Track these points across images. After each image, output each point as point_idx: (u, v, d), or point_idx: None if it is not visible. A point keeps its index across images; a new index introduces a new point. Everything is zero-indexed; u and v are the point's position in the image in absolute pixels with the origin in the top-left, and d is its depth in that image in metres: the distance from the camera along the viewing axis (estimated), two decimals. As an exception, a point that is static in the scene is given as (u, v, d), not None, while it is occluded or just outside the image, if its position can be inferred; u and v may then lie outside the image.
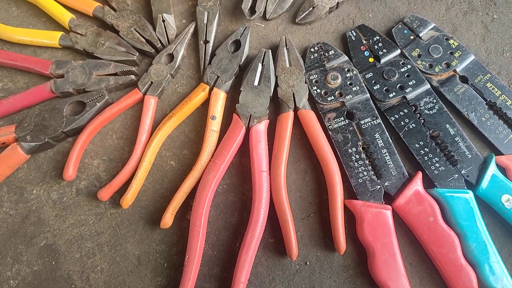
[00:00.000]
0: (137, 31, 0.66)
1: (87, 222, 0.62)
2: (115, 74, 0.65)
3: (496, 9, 0.67)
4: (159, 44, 0.66)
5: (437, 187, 0.58)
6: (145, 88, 0.64)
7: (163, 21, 0.67)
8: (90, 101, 0.63)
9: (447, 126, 0.60)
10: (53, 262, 0.60)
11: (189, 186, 0.60)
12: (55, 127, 0.62)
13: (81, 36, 0.66)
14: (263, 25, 0.69)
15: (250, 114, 0.61)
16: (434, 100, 0.61)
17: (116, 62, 0.65)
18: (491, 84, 0.62)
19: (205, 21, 0.67)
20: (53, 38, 0.67)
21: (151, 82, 0.64)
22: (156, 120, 0.65)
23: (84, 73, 0.64)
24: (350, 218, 0.58)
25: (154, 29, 0.67)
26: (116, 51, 0.65)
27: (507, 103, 0.61)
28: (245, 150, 0.62)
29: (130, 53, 0.65)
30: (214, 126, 0.62)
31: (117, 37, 0.66)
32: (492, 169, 0.57)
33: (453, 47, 0.63)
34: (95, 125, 0.63)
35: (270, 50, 0.64)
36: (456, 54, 0.63)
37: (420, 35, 0.65)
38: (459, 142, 0.59)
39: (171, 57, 0.66)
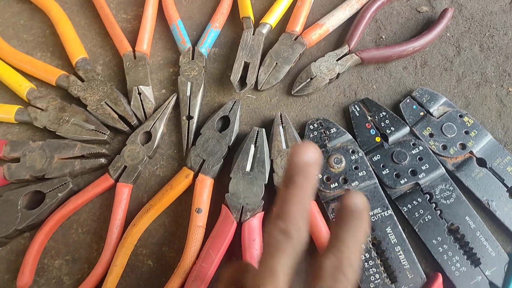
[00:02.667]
0: (108, 105, 0.57)
1: None
2: (82, 157, 0.55)
3: (511, 81, 0.61)
4: (135, 121, 0.57)
5: (459, 292, 0.50)
6: (118, 174, 0.54)
7: (139, 93, 0.58)
8: (50, 191, 0.53)
9: (467, 218, 0.52)
10: None
11: (170, 295, 0.50)
12: (8, 224, 0.52)
13: (42, 111, 0.57)
14: (254, 97, 0.61)
15: (242, 206, 0.52)
16: (451, 188, 0.54)
17: (83, 143, 0.55)
18: (511, 168, 0.55)
19: (188, 94, 0.58)
20: (8, 112, 0.57)
21: (125, 167, 0.55)
22: (130, 211, 0.55)
23: (44, 157, 0.54)
24: (361, 330, 0.50)
25: (129, 103, 0.58)
26: (83, 129, 0.56)
27: (530, 190, 0.54)
28: (235, 249, 0.53)
29: (100, 132, 0.56)
30: (199, 221, 0.53)
31: (85, 112, 0.57)
32: (520, 271, 0.50)
33: (468, 125, 0.57)
34: (56, 219, 0.52)
35: (264, 129, 0.56)
36: (472, 134, 0.56)
37: (431, 110, 0.58)
38: (481, 237, 0.52)
39: (149, 136, 0.57)
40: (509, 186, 0.54)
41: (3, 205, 0.52)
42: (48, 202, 0.53)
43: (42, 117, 0.56)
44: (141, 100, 0.58)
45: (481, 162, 0.56)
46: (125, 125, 0.57)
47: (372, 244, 0.52)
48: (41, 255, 0.53)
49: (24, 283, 0.50)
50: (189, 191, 0.55)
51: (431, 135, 0.57)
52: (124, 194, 0.54)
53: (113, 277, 0.51)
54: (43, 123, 0.56)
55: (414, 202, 0.54)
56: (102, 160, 0.55)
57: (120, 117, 0.57)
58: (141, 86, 0.58)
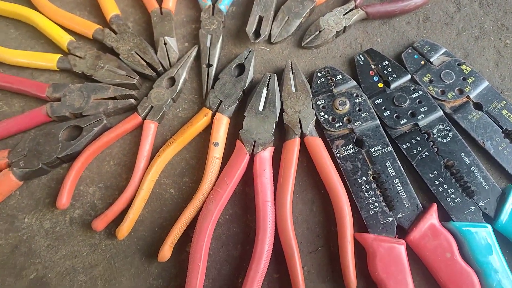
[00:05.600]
0: (138, 54, 0.64)
1: (80, 253, 0.58)
2: (114, 98, 0.62)
3: (509, 34, 0.65)
4: (161, 68, 0.64)
5: (453, 220, 0.54)
6: (145, 113, 0.61)
7: (165, 44, 0.65)
8: (87, 125, 0.61)
9: (462, 155, 0.57)
10: (43, 297, 0.56)
11: (189, 216, 0.56)
12: (50, 153, 0.59)
13: (80, 59, 0.64)
14: (268, 49, 0.67)
15: (255, 141, 0.58)
16: (448, 128, 0.58)
17: (116, 86, 0.63)
18: (506, 112, 0.59)
19: (208, 44, 0.65)
20: (51, 60, 0.65)
21: (151, 107, 0.62)
22: (156, 146, 0.62)
23: (82, 97, 0.62)
24: (361, 252, 0.54)
25: (156, 52, 0.65)
26: (115, 74, 0.63)
27: (524, 131, 0.58)
28: (248, 179, 0.59)
29: (130, 77, 0.63)
30: (216, 153, 0.59)
31: (117, 60, 0.64)
32: (511, 201, 0.54)
33: (466, 72, 0.61)
34: (91, 151, 0.60)
35: (275, 75, 0.62)
36: (469, 80, 0.60)
37: (431, 60, 0.62)
38: (475, 172, 0.56)
39: (173, 81, 0.63)
40: (504, 128, 0.58)
41: (46, 136, 0.60)
42: (85, 135, 0.60)
43: (80, 64, 0.64)
44: (166, 50, 0.65)
45: (478, 106, 0.60)
46: (152, 71, 0.64)
47: (372, 177, 0.57)
48: (78, 182, 0.61)
49: (62, 204, 0.58)
50: (208, 130, 0.61)
51: (430, 81, 0.61)
52: (150, 130, 0.61)
53: (140, 200, 0.57)
54: (81, 69, 0.63)
55: (413, 140, 0.58)
56: (132, 101, 0.62)
57: (148, 64, 0.64)
58: (166, 37, 0.65)
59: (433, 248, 0.53)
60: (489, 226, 0.53)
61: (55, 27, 0.67)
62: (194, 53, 0.65)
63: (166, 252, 0.55)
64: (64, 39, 0.66)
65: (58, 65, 0.65)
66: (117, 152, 0.62)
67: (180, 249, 0.57)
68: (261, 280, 0.53)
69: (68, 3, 0.72)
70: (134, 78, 0.63)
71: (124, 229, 0.56)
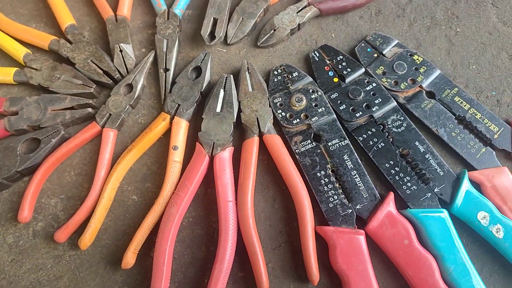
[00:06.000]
0: (94, 62, 0.64)
1: (45, 266, 0.58)
2: (72, 108, 0.62)
3: (459, 22, 0.66)
4: (118, 75, 0.64)
5: (410, 208, 0.55)
6: (103, 121, 0.61)
7: (121, 51, 0.65)
8: (45, 137, 0.61)
9: (417, 143, 0.58)
10: (8, 313, 0.56)
11: (151, 222, 0.56)
12: (9, 167, 0.59)
13: (36, 71, 0.64)
14: (224, 50, 0.67)
15: (214, 142, 0.59)
16: (402, 118, 0.59)
17: (73, 96, 0.63)
18: (459, 98, 0.60)
19: (165, 49, 0.65)
20: (7, 74, 0.64)
21: (110, 114, 0.62)
22: (116, 154, 0.62)
23: (39, 109, 0.62)
24: (323, 245, 0.55)
25: (112, 60, 0.65)
26: (72, 84, 0.63)
27: (476, 117, 0.59)
28: (210, 180, 0.59)
29: (87, 86, 0.63)
30: (176, 157, 0.59)
31: (73, 70, 0.64)
32: (466, 186, 0.55)
33: (418, 62, 0.62)
34: (50, 163, 0.59)
35: (231, 75, 0.62)
36: (421, 70, 0.62)
37: (384, 52, 0.64)
38: (430, 159, 0.57)
39: (130, 87, 0.64)
40: (457, 114, 0.60)
41: (4, 151, 0.60)
42: (43, 147, 0.60)
43: (37, 76, 0.64)
44: (122, 57, 0.65)
45: (430, 95, 0.61)
46: (109, 79, 0.64)
47: (331, 171, 0.58)
48: (39, 195, 0.60)
49: (24, 218, 0.57)
50: (168, 134, 0.62)
51: (383, 73, 0.62)
52: (110, 138, 0.61)
53: (101, 208, 0.57)
54: (38, 81, 0.63)
55: (369, 132, 0.59)
56: (90, 110, 0.62)
57: (105, 72, 0.64)
58: (122, 44, 0.65)
59: (391, 236, 0.53)
60: (445, 211, 0.54)
61: (10, 40, 0.67)
62: (151, 59, 0.65)
63: (129, 258, 0.55)
64: (19, 52, 0.65)
65: (14, 79, 0.64)
66: (77, 162, 0.62)
67: (145, 255, 0.57)
68: (226, 279, 0.53)
69: (23, 15, 0.72)
70: (91, 87, 0.63)
71: (87, 239, 0.56)
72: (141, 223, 0.56)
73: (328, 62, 0.64)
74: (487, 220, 0.54)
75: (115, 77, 0.64)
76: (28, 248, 0.58)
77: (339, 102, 0.61)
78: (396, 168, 0.57)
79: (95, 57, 0.64)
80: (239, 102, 0.61)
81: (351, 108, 0.61)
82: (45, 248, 0.58)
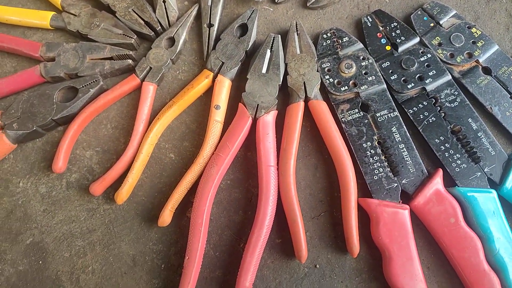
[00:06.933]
0: (135, 12, 0.61)
1: (78, 218, 0.57)
2: (111, 58, 0.60)
3: (522, -3, 0.63)
4: (159, 27, 0.61)
5: (458, 186, 0.53)
6: (143, 74, 0.59)
7: (164, 1, 0.61)
8: (83, 87, 0.58)
9: (469, 120, 0.55)
10: (40, 262, 0.55)
11: (189, 181, 0.55)
12: (45, 115, 0.57)
13: (75, 17, 0.61)
14: (271, 9, 0.64)
15: (257, 104, 0.56)
16: (456, 92, 0.57)
17: (112, 45, 0.60)
18: (516, 76, 0.57)
19: (209, 3, 0.62)
20: (44, 18, 0.62)
21: (150, 68, 0.59)
22: (154, 109, 0.60)
23: (77, 57, 0.59)
24: (364, 218, 0.54)
25: (154, 11, 0.62)
26: (112, 34, 0.60)
27: (532, 97, 0.57)
28: (251, 143, 0.57)
29: (128, 36, 0.60)
30: (218, 116, 0.57)
31: (114, 18, 0.61)
32: (517, 168, 0.53)
33: (476, 36, 0.59)
34: (88, 113, 0.58)
35: (279, 36, 0.59)
36: (479, 44, 0.59)
37: (441, 22, 0.60)
38: (482, 138, 0.55)
39: (172, 41, 0.61)
40: (512, 93, 0.57)
41: (40, 98, 0.58)
42: (80, 97, 0.58)
43: (75, 22, 0.61)
44: (165, 8, 0.61)
45: (487, 71, 0.58)
46: (150, 31, 0.61)
47: (377, 142, 0.56)
48: (74, 146, 0.59)
49: (58, 168, 0.56)
50: (209, 93, 0.59)
51: (439, 44, 0.59)
52: (149, 92, 0.59)
53: (139, 164, 0.56)
54: (76, 27, 0.61)
55: (420, 105, 0.57)
56: (130, 61, 0.60)
57: (146, 23, 0.61)
58: (165, -5, 0.62)
59: (437, 214, 0.52)
60: (494, 191, 0.53)
61: (48, -17, 0.64)
62: (194, 13, 0.62)
63: (166, 217, 0.53)
64: (57, -5, 0.62)
65: (51, 23, 0.62)
66: (114, 115, 0.60)
67: (181, 214, 0.56)
68: (263, 245, 0.52)
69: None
70: (131, 38, 0.60)
71: (123, 194, 0.54)
72: (177, 182, 0.55)
73: (381, 28, 0.61)
74: (537, 204, 0.52)
75: (157, 29, 0.61)
76: (61, 199, 0.57)
77: (390, 71, 0.58)
78: (446, 145, 0.55)
79: (137, 7, 0.61)
80: (286, 64, 0.59)
81: (402, 78, 0.58)
82: (79, 200, 0.57)
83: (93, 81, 0.58)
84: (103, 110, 0.60)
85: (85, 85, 0.58)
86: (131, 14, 0.61)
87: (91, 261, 0.55)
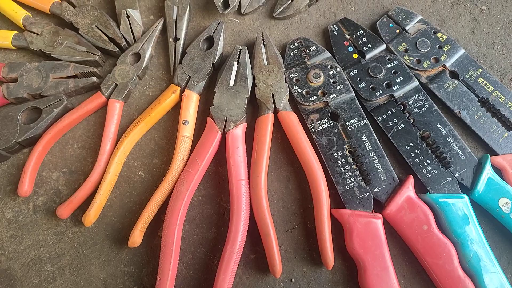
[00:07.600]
0: (99, 28, 0.60)
1: (46, 243, 0.55)
2: (75, 77, 0.59)
3: (485, 0, 0.63)
4: (124, 43, 0.60)
5: (430, 192, 0.53)
6: (109, 91, 0.58)
7: (128, 17, 0.61)
8: (46, 107, 0.57)
9: (438, 125, 0.55)
10: (8, 290, 0.53)
11: (160, 199, 0.54)
12: (8, 137, 0.55)
13: (37, 36, 0.60)
14: (238, 21, 0.64)
15: (226, 118, 0.56)
16: (424, 98, 0.57)
17: (76, 63, 0.59)
18: (482, 80, 0.58)
19: (175, 17, 0.61)
20: (5, 38, 0.60)
21: (116, 85, 0.58)
22: (122, 127, 0.59)
23: (40, 76, 0.58)
24: (338, 228, 0.53)
25: (118, 26, 0.61)
26: (75, 51, 0.59)
27: (500, 100, 0.57)
28: (221, 158, 0.56)
29: (91, 53, 0.59)
30: (186, 132, 0.56)
31: (77, 36, 0.60)
32: (487, 171, 0.53)
33: (442, 40, 0.59)
34: (53, 134, 0.56)
35: (246, 47, 0.59)
36: (445, 48, 0.59)
37: (407, 28, 0.60)
38: (452, 142, 0.55)
39: (138, 57, 0.60)
40: (480, 96, 0.57)
41: (3, 120, 0.56)
42: (44, 117, 0.56)
43: (37, 41, 0.59)
44: (129, 23, 0.61)
45: (454, 75, 0.59)
46: (115, 47, 0.60)
47: (348, 151, 0.55)
48: (40, 167, 0.57)
49: (24, 191, 0.54)
50: (177, 108, 0.58)
51: (406, 50, 0.59)
52: (116, 110, 0.57)
53: (107, 184, 0.54)
54: (39, 46, 0.59)
55: (389, 112, 0.57)
56: (94, 79, 0.59)
57: (110, 39, 0.60)
58: (129, 10, 0.61)
59: (410, 221, 0.52)
60: (465, 196, 0.53)
61: (9, 1, 0.62)
62: (160, 27, 0.61)
63: (136, 237, 0.52)
64: (19, 14, 0.61)
65: (13, 43, 0.60)
66: (80, 134, 0.59)
67: (153, 233, 0.55)
68: (237, 261, 0.51)
69: (21, -25, 0.67)
70: (95, 55, 0.59)
71: (91, 215, 0.53)
72: (147, 200, 0.54)
73: (347, 36, 0.61)
74: (508, 207, 0.52)
75: (122, 45, 0.60)
76: (28, 224, 0.56)
77: (358, 79, 0.58)
78: (416, 151, 0.55)
79: (100, 23, 0.60)
80: (254, 76, 0.58)
81: (370, 86, 0.58)
82: (47, 224, 0.56)
83: (57, 101, 0.57)
84: (69, 129, 0.59)
85: (49, 105, 0.57)
86: (94, 31, 0.60)
87: (61, 286, 0.54)
